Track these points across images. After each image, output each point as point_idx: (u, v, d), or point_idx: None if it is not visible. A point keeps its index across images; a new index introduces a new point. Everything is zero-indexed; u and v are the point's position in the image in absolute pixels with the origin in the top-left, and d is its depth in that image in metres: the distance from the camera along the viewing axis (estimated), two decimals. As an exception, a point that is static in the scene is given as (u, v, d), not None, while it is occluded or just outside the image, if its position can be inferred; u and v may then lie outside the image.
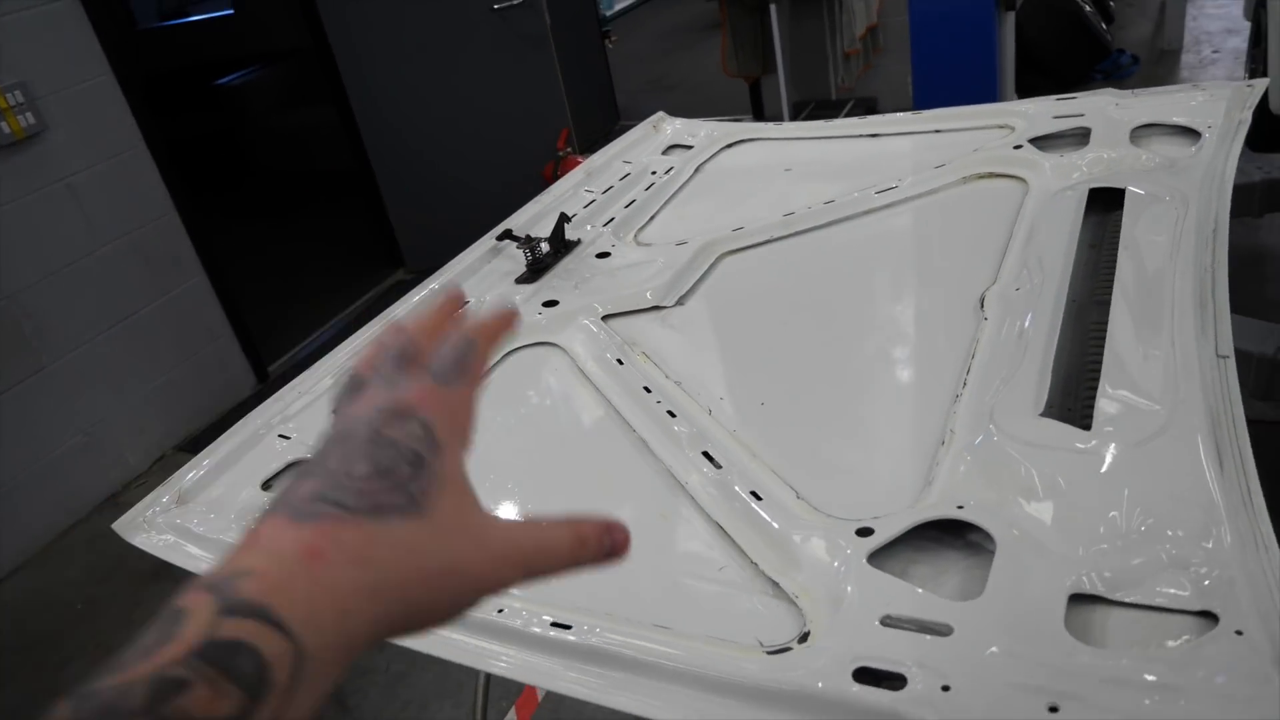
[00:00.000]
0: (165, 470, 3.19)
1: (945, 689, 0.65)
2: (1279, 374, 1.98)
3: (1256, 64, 3.40)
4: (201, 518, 1.07)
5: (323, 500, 0.37)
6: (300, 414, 1.26)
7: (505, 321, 0.51)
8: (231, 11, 6.44)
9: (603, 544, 0.44)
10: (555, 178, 2.20)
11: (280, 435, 1.22)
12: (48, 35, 2.99)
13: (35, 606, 2.77)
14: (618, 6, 9.59)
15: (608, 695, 0.74)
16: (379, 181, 4.35)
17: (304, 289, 4.38)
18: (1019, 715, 0.62)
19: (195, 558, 1.01)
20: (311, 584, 0.35)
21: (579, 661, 0.77)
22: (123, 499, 3.15)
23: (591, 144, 4.76)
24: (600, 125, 5.65)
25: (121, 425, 3.18)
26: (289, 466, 1.16)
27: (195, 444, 3.42)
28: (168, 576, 2.77)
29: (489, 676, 1.58)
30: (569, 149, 3.92)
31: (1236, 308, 2.27)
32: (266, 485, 1.13)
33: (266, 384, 3.66)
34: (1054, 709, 0.62)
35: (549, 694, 1.98)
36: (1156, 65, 5.05)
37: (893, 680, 0.67)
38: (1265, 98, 3.09)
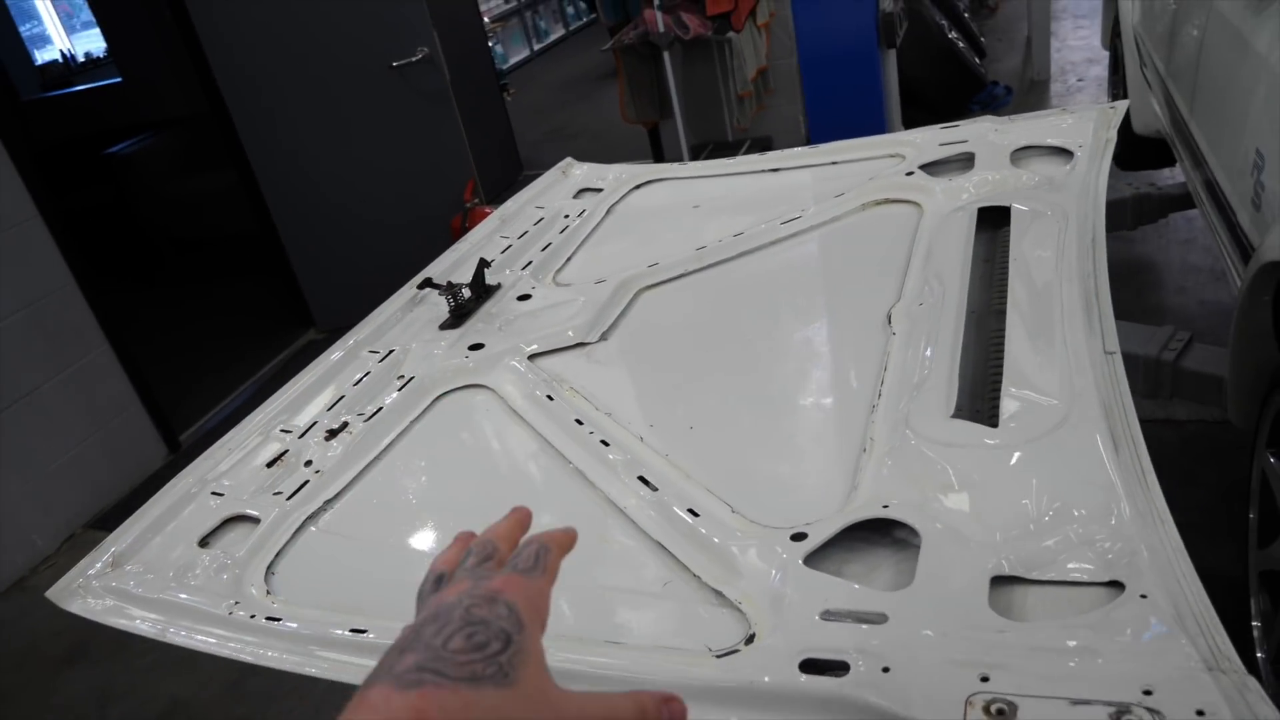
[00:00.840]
0: (76, 550, 3.06)
1: (885, 670, 0.69)
2: (1164, 373, 2.12)
3: (1117, 89, 3.66)
4: (139, 579, 1.05)
5: (423, 670, 0.41)
6: (231, 470, 1.25)
7: (571, 535, 0.58)
8: (120, 80, 6.31)
9: (660, 713, 0.48)
10: (464, 230, 2.23)
11: (214, 493, 1.21)
12: (-71, 109, 2.90)
13: (-61, 704, 2.61)
14: (512, 60, 9.72)
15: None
16: (284, 242, 4.29)
17: (212, 354, 4.28)
18: (954, 687, 0.66)
19: (137, 619, 1.00)
20: None
21: (537, 683, 0.79)
22: (30, 583, 3.00)
23: (497, 195, 4.81)
24: (504, 176, 5.71)
25: (26, 506, 3.04)
26: (225, 523, 1.15)
27: (106, 520, 3.29)
28: (83, 660, 2.66)
29: None
30: (476, 200, 3.96)
31: (1119, 315, 2.42)
32: (204, 543, 1.12)
33: (179, 454, 3.56)
34: (985, 679, 0.67)
35: None
36: (1028, 94, 5.36)
37: (836, 668, 0.71)
38: (1128, 121, 3.33)
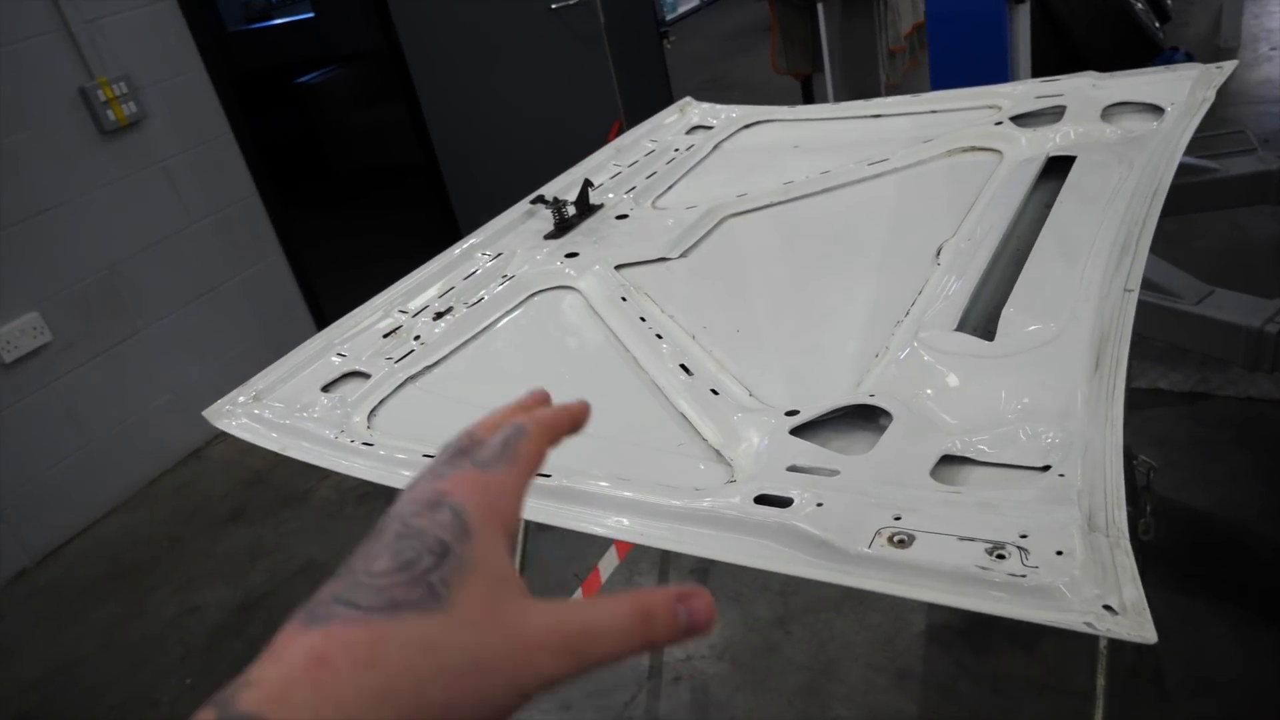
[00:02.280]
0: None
1: (819, 505, 0.84)
2: (1266, 345, 2.09)
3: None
4: (273, 409, 1.31)
5: (337, 602, 0.35)
6: (354, 338, 1.50)
7: (572, 414, 0.50)
8: (313, 15, 6.84)
9: (676, 617, 0.39)
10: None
11: (338, 354, 1.46)
12: (149, 33, 3.33)
13: (128, 542, 3.09)
14: (681, 9, 9.80)
15: (570, 522, 0.94)
16: (444, 174, 4.63)
17: (371, 272, 4.65)
18: (869, 521, 0.81)
19: (265, 436, 1.25)
20: (314, 692, 0.32)
21: (553, 500, 0.98)
22: (205, 453, 3.47)
23: (646, 139, 4.99)
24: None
25: (205, 387, 3.50)
26: (344, 376, 1.40)
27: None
28: (243, 519, 3.08)
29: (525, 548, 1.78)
30: (620, 141, 4.14)
31: (1255, 290, 2.37)
32: (326, 389, 1.36)
33: (336, 356, 3.97)
34: (897, 518, 0.81)
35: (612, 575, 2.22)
36: (1211, 63, 5.06)
37: (782, 503, 0.86)
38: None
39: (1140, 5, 4.95)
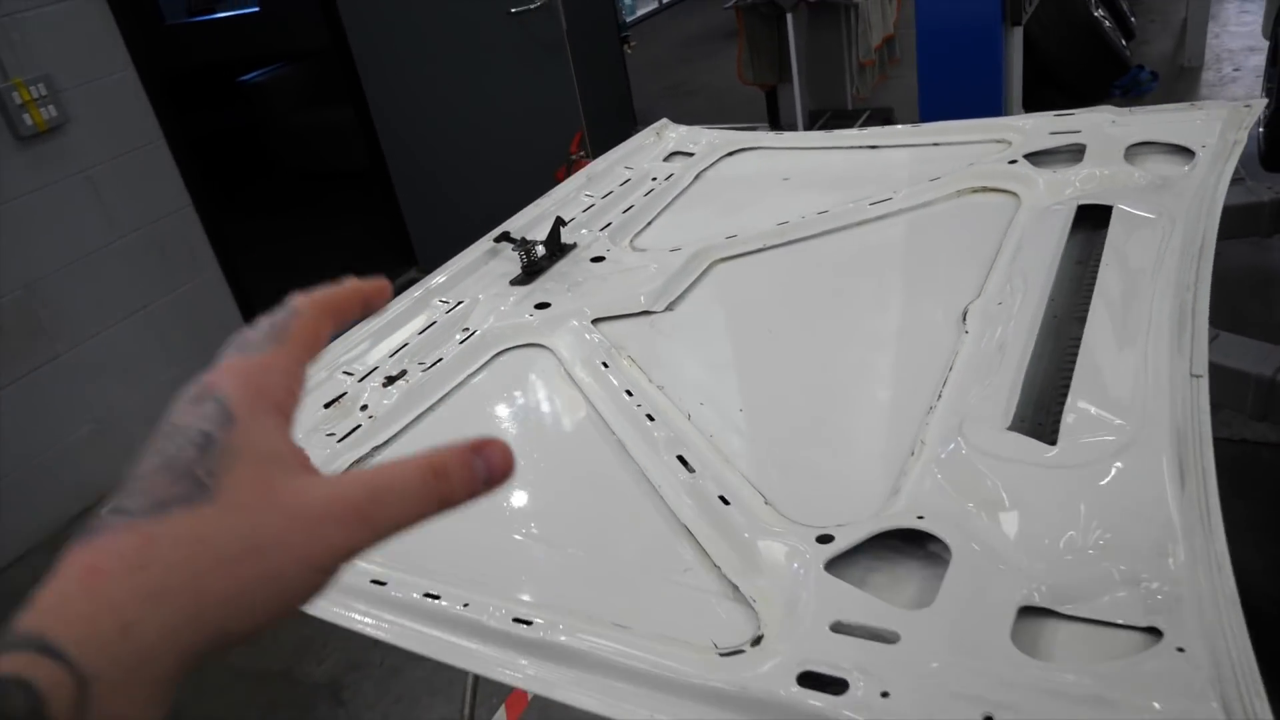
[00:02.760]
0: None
1: (884, 695, 0.66)
2: (1276, 395, 1.97)
3: (1272, 83, 3.39)
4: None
5: (110, 512, 0.34)
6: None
7: (362, 293, 0.46)
8: (257, 9, 6.52)
9: (472, 470, 0.38)
10: (564, 181, 2.22)
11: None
12: (71, 29, 3.05)
13: (41, 591, 2.81)
14: (640, 12, 9.63)
15: (562, 692, 0.75)
16: (394, 181, 4.40)
17: (315, 285, 4.41)
18: (954, 722, 0.63)
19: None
20: (89, 602, 0.32)
21: (538, 658, 0.79)
22: (131, 488, 3.19)
23: (607, 147, 4.79)
24: (616, 129, 5.67)
25: (133, 414, 3.23)
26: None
27: (204, 436, 3.46)
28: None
29: (477, 676, 1.59)
30: (582, 152, 3.94)
31: (1242, 329, 2.26)
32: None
33: (277, 378, 3.71)
34: (989, 718, 0.63)
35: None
36: (1176, 82, 5.03)
37: (835, 685, 0.68)
38: (1278, 119, 3.08)
39: (1109, 23, 4.88)
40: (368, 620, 0.86)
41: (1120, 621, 0.72)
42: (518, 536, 0.99)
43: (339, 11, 4.06)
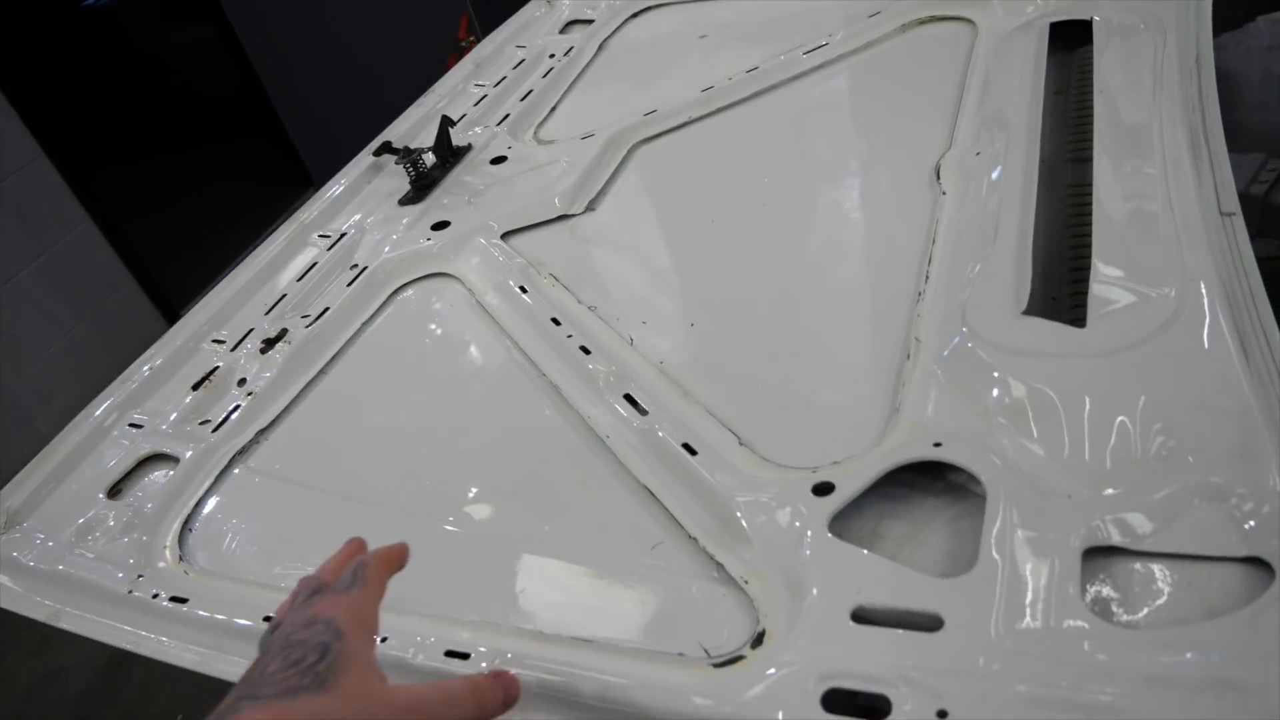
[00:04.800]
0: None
1: (942, 716, 0.49)
2: (1251, 209, 1.84)
3: None
4: (32, 545, 0.88)
5: (240, 699, 0.44)
6: (152, 395, 1.06)
7: (397, 552, 0.58)
8: (89, -78, 5.83)
9: (495, 691, 0.52)
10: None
11: (131, 424, 1.02)
12: None
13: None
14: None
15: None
16: (272, 99, 4.00)
17: (208, 222, 4.04)
18: (1042, 746, 0.47)
19: (21, 598, 0.83)
20: None
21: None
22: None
23: (501, 30, 4.40)
24: (513, 7, 5.25)
25: (26, 395, 2.93)
26: (141, 464, 0.97)
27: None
28: None
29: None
30: (472, 37, 3.59)
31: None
32: (114, 491, 0.94)
33: (180, 331, 3.42)
34: (1084, 732, 0.47)
35: None
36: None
37: (874, 708, 0.51)
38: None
39: None
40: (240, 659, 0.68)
41: (1212, 554, 0.56)
42: (443, 529, 0.80)
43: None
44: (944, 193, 1.00)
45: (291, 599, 0.55)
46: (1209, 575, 0.56)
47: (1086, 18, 1.15)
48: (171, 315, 3.42)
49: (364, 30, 3.79)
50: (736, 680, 0.57)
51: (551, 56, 1.65)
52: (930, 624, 0.55)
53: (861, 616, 0.57)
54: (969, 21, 1.32)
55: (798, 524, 0.66)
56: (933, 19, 1.36)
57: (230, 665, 0.70)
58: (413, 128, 1.50)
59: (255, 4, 3.76)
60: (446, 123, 1.37)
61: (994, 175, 0.96)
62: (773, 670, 0.56)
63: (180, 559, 0.83)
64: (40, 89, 3.20)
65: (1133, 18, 1.13)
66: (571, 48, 1.66)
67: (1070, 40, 1.18)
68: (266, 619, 0.72)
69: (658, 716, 0.57)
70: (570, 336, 0.96)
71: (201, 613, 0.75)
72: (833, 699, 0.53)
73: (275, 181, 4.24)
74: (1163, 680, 0.49)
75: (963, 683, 0.51)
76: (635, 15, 1.74)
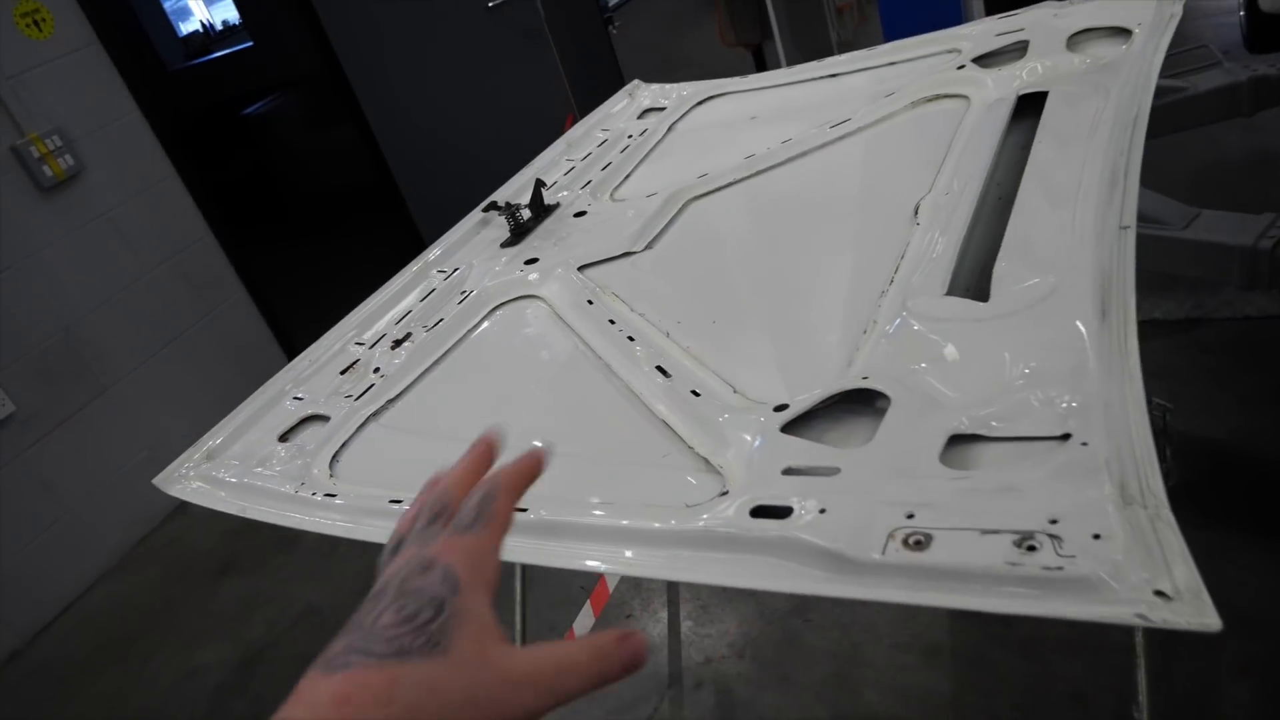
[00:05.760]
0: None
1: (822, 511, 0.76)
2: (1261, 262, 2.02)
3: (1245, -34, 3.38)
4: (228, 468, 1.22)
5: (351, 651, 0.42)
6: (310, 378, 1.40)
7: (530, 465, 0.58)
8: (251, 44, 6.69)
9: (623, 652, 0.46)
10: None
11: (294, 397, 1.36)
12: (77, 82, 3.21)
13: (119, 610, 2.99)
14: (624, -6, 9.65)
15: (553, 559, 0.86)
16: (401, 188, 4.53)
17: (339, 297, 4.55)
18: (880, 523, 0.72)
19: (222, 499, 1.16)
20: None
21: (534, 537, 0.89)
22: (189, 508, 3.35)
23: (603, 128, 4.88)
24: (604, 96, 5.76)
25: (183, 438, 3.38)
26: (302, 422, 1.30)
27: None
28: (235, 571, 2.98)
29: (525, 568, 1.66)
30: (576, 134, 4.03)
31: (1238, 207, 2.30)
32: (283, 438, 1.27)
33: (313, 389, 3.87)
34: (910, 515, 0.72)
35: (618, 584, 2.16)
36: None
37: (782, 513, 0.78)
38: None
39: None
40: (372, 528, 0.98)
41: (1036, 434, 0.81)
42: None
43: (327, 34, 4.19)
44: (918, 224, 1.27)
45: (415, 511, 0.55)
46: (1031, 447, 0.80)
47: (1046, 89, 1.42)
48: (306, 375, 3.88)
49: (481, 126, 4.29)
50: (701, 513, 0.84)
51: (629, 137, 2.00)
52: (832, 472, 0.82)
53: (789, 472, 0.84)
54: (965, 98, 1.60)
55: (759, 424, 0.93)
56: (937, 97, 1.65)
57: (369, 530, 1.00)
58: (514, 191, 1.86)
59: (390, 107, 4.30)
60: (540, 184, 1.72)
61: (950, 207, 1.23)
62: (724, 506, 0.83)
63: (330, 476, 1.15)
64: (210, 179, 3.76)
65: (1085, 88, 1.39)
66: (645, 129, 2.01)
67: (1039, 108, 1.45)
68: (393, 501, 1.02)
69: (648, 532, 0.84)
70: (621, 331, 1.26)
71: (346, 502, 1.07)
72: (757, 511, 0.79)
73: (398, 261, 4.73)
74: (970, 490, 0.74)
75: (843, 497, 0.77)
76: (701, 102, 2.09)
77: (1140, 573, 0.62)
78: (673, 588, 2.34)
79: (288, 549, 2.98)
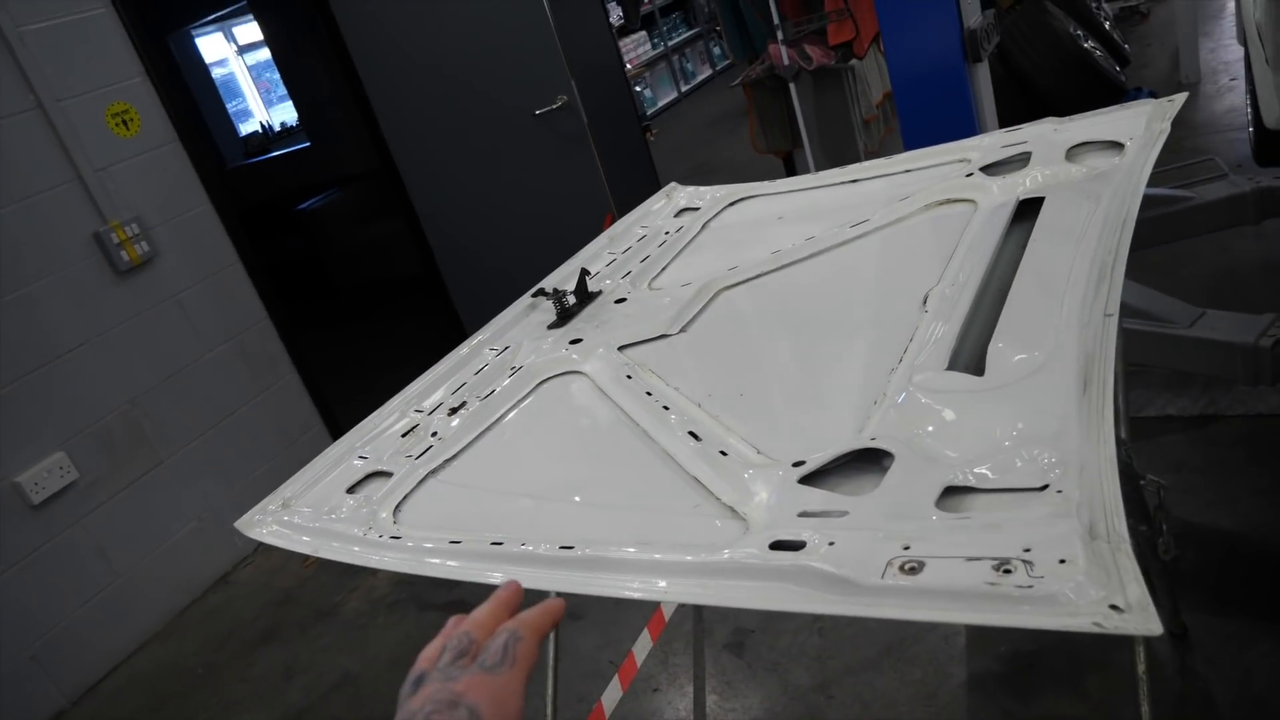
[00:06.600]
0: (269, 552, 3.53)
1: (831, 544, 0.88)
2: (1263, 359, 2.13)
3: (1251, 84, 3.58)
4: (301, 515, 1.36)
5: None
6: (374, 440, 1.55)
7: (551, 612, 0.59)
8: (309, 144, 7.10)
9: None
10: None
11: (360, 456, 1.51)
12: (156, 176, 3.48)
13: (163, 673, 3.09)
14: (661, 102, 10.12)
15: (597, 589, 0.98)
16: (446, 281, 4.76)
17: (385, 382, 4.75)
18: (880, 554, 0.84)
19: (297, 541, 1.30)
20: None
21: (579, 570, 1.02)
22: (233, 577, 3.49)
23: (639, 227, 5.13)
24: (642, 197, 6.03)
25: (230, 511, 3.53)
26: (367, 477, 1.45)
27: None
28: (275, 639, 3.08)
29: (558, 641, 1.78)
30: (613, 231, 4.26)
31: (1248, 308, 2.41)
32: (351, 490, 1.41)
33: (355, 468, 4.03)
34: (906, 547, 0.85)
35: (646, 659, 2.24)
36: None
37: (797, 546, 0.90)
38: (1260, 116, 3.26)
39: (1100, 52, 5.12)
40: (451, 564, 1.11)
41: (1020, 486, 0.93)
42: (562, 504, 1.23)
43: (383, 135, 4.49)
44: (926, 311, 1.42)
45: (438, 646, 0.56)
46: (1015, 497, 0.93)
47: (1044, 195, 1.58)
48: (348, 454, 4.04)
49: (524, 224, 4.54)
50: (724, 549, 0.96)
51: (666, 233, 2.18)
52: (840, 514, 0.94)
53: (803, 515, 0.97)
54: (973, 202, 1.76)
55: (779, 477, 1.06)
56: (948, 201, 1.81)
57: (430, 566, 1.13)
58: (560, 280, 2.03)
59: (438, 203, 4.57)
60: (584, 273, 1.89)
61: (954, 297, 1.38)
62: (745, 543, 0.96)
63: (395, 522, 1.28)
64: (267, 267, 4.00)
65: (1078, 194, 1.55)
66: (681, 227, 2.19)
67: (1037, 211, 1.61)
68: (452, 541, 1.15)
69: (679, 566, 0.96)
70: (658, 402, 1.40)
71: (410, 543, 1.20)
72: (775, 545, 0.92)
73: (441, 349, 4.93)
74: (958, 528, 0.86)
75: (849, 534, 0.89)
76: (732, 204, 2.27)
77: (1098, 590, 0.74)
78: (699, 663, 2.41)
79: (326, 619, 3.08)
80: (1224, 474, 2.46)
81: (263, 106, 9.67)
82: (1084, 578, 0.75)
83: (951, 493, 0.96)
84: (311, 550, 1.27)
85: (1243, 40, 3.80)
